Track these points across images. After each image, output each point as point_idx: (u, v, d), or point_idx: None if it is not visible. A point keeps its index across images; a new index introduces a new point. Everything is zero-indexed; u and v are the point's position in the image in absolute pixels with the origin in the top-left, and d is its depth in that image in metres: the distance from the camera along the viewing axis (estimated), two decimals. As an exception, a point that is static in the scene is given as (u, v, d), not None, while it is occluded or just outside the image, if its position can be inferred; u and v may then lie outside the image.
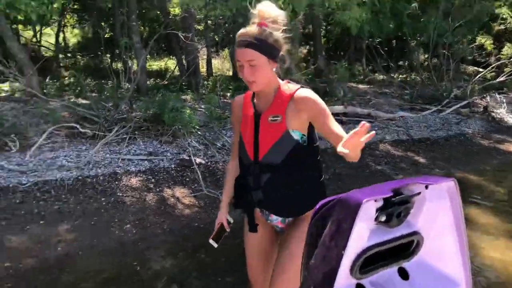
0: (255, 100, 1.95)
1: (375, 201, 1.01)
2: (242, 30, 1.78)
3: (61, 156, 5.81)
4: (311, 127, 1.86)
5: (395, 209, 1.05)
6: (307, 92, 1.82)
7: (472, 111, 10.24)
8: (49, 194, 4.86)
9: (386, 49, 14.15)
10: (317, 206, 1.08)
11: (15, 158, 5.66)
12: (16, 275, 3.60)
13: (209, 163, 6.11)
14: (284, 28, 1.82)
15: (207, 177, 5.72)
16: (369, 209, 1.00)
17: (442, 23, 10.65)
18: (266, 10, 1.79)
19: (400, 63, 15.26)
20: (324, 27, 14.89)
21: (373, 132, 1.29)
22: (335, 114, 8.13)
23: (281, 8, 2.03)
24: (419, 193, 1.07)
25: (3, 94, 8.60)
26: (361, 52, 13.91)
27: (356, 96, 10.30)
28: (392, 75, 13.12)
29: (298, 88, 1.83)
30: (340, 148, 1.36)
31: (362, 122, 1.29)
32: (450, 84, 11.00)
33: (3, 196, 4.73)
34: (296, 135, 1.83)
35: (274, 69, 1.84)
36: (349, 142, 1.33)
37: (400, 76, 13.54)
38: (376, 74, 13.75)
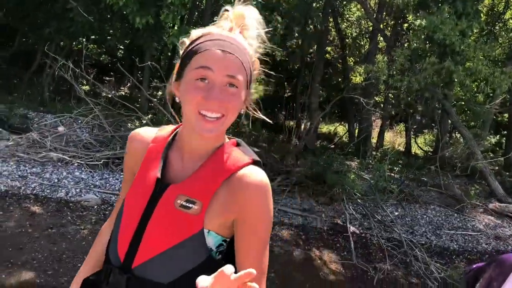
0: (170, 152, 1.11)
1: None
2: (218, 30, 1.06)
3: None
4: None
5: None
6: (260, 175, 1.03)
7: None
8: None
9: None
10: (472, 267, 1.14)
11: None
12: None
13: (363, 234, 5.76)
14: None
15: (358, 248, 5.36)
16: None
17: None
18: (250, 17, 1.09)
19: None
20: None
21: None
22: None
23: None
24: None
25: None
26: None
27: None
28: None
29: (249, 163, 1.05)
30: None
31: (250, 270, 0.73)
32: None
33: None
34: (211, 240, 1.03)
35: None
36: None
37: None
38: None
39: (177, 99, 1.06)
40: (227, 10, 1.08)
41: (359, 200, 6.39)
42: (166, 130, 1.14)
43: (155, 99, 10.26)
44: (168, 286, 0.99)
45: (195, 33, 1.06)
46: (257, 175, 1.03)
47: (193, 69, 0.99)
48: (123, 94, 14.49)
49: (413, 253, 5.02)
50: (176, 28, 8.96)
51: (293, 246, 5.10)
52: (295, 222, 5.69)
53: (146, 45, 10.87)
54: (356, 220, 6.05)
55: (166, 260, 1.00)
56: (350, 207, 6.25)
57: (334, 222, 5.94)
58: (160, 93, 13.61)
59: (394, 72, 7.25)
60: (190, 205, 1.00)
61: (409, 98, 8.23)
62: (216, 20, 1.10)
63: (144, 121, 8.26)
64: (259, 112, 1.14)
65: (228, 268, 0.75)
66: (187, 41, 1.06)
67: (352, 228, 5.67)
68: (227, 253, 1.08)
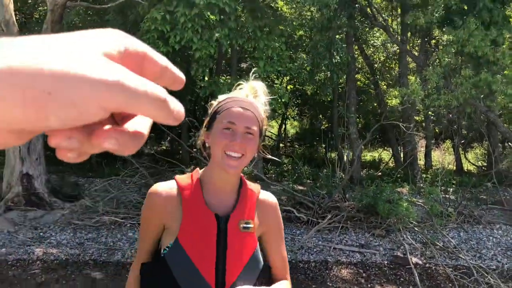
0: (204, 195, 1.35)
1: None
2: (236, 94, 1.40)
3: (277, 237, 6.09)
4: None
5: None
6: (272, 197, 1.46)
7: None
8: (264, 274, 5.05)
9: None
10: None
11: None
12: None
13: (427, 264, 5.46)
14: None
15: (424, 280, 5.08)
16: None
17: None
18: (260, 88, 1.43)
19: None
20: None
21: None
22: None
23: None
24: None
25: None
26: None
27: None
28: None
29: (260, 189, 1.44)
30: None
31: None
32: None
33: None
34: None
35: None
36: None
37: None
38: None
39: (207, 144, 1.36)
40: (241, 84, 1.44)
41: (416, 228, 6.13)
42: (187, 179, 1.37)
43: (195, 149, 10.46)
44: None
45: (221, 97, 1.38)
46: (270, 197, 1.44)
47: (220, 122, 1.28)
48: (165, 148, 14.90)
49: (485, 280, 4.69)
50: (206, 79, 9.22)
51: (355, 285, 4.90)
52: (353, 259, 5.49)
53: (180, 100, 11.18)
54: (417, 250, 5.78)
55: (245, 274, 1.28)
56: (408, 236, 5.99)
57: (394, 254, 5.69)
58: (199, 142, 13.90)
59: (430, 91, 7.09)
60: (249, 225, 1.31)
61: (450, 115, 7.97)
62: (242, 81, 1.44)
63: (188, 172, 8.39)
64: (269, 154, 1.46)
65: None
66: (214, 103, 1.38)
67: (414, 259, 5.41)
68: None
